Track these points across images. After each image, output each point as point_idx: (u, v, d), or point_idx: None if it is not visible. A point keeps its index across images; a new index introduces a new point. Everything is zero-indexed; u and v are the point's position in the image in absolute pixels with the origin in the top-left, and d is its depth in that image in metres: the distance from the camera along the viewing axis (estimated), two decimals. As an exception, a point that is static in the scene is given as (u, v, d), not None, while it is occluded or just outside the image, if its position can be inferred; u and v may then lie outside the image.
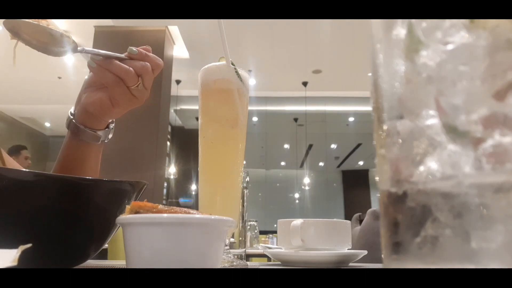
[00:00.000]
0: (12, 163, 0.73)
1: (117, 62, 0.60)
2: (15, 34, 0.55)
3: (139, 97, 0.63)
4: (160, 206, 0.36)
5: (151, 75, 0.63)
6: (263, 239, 3.95)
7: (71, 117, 0.67)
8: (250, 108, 0.66)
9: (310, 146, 9.01)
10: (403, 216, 0.23)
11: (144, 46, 0.63)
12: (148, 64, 0.62)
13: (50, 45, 0.57)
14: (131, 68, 0.60)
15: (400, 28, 0.25)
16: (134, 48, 0.61)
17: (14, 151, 3.46)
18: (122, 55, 0.61)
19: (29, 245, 0.23)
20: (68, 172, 0.67)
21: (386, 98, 0.25)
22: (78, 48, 0.58)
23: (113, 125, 0.71)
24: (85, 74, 0.67)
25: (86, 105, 0.65)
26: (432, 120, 0.22)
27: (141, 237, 0.33)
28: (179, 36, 4.76)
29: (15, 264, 0.21)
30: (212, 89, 0.60)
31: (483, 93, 0.21)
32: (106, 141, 0.70)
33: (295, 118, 7.68)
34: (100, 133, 0.68)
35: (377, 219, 1.47)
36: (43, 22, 0.55)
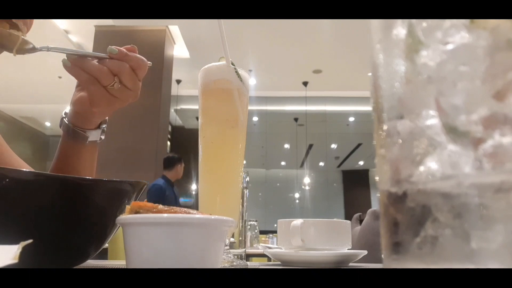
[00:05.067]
0: (15, 162, 0.73)
1: (90, 61, 0.59)
2: None
3: (120, 98, 0.62)
4: (160, 206, 0.36)
5: (130, 75, 0.61)
6: (263, 239, 3.95)
7: (63, 116, 0.68)
8: (250, 108, 0.66)
9: (310, 146, 9.01)
10: (403, 216, 0.23)
11: (128, 46, 0.61)
12: (126, 63, 0.60)
13: (9, 43, 0.55)
14: (105, 67, 0.59)
15: (400, 28, 0.25)
16: (114, 48, 0.60)
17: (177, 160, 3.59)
18: (104, 55, 0.60)
19: (29, 240, 0.23)
20: (62, 172, 0.67)
21: (386, 98, 0.25)
22: (38, 47, 0.57)
23: (105, 125, 0.70)
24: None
25: (73, 104, 0.65)
26: (432, 120, 0.22)
27: (141, 237, 0.33)
28: (179, 36, 4.77)
29: (15, 261, 0.21)
30: (212, 89, 0.60)
31: (483, 93, 0.21)
32: (98, 141, 0.70)
33: (295, 118, 7.68)
34: (89, 133, 0.67)
35: (377, 219, 1.47)
36: None
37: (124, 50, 0.60)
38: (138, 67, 0.61)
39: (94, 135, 0.68)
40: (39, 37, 0.64)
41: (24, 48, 0.56)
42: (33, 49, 0.57)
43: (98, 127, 0.69)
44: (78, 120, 0.66)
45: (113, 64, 0.59)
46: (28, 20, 0.57)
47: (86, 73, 0.59)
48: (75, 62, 0.58)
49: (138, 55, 0.62)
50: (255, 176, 10.08)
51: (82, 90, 0.65)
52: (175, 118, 7.63)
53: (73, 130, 0.66)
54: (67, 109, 0.69)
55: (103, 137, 0.71)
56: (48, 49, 0.57)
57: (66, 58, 0.58)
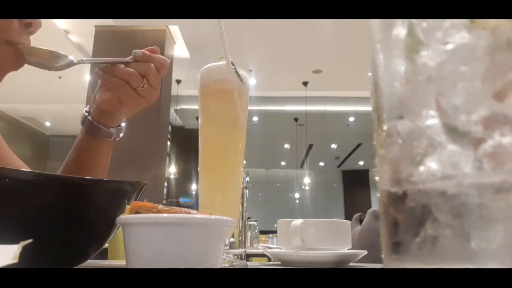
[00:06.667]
0: (15, 162, 0.73)
1: (120, 66, 0.63)
2: None
3: (147, 97, 0.67)
4: (160, 206, 0.36)
5: (156, 75, 0.65)
6: (263, 239, 3.95)
7: (86, 114, 0.71)
8: (250, 108, 0.66)
9: (311, 146, 9.01)
10: (403, 216, 0.23)
11: (151, 47, 0.66)
12: (152, 65, 0.65)
13: (47, 61, 0.60)
14: (134, 70, 0.63)
15: (400, 28, 0.25)
16: (138, 51, 0.64)
17: None
18: (128, 59, 0.64)
19: (29, 240, 0.23)
20: (80, 168, 0.71)
21: (386, 98, 0.25)
22: (75, 60, 0.62)
23: (125, 124, 0.74)
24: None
25: (100, 103, 0.68)
26: (432, 120, 0.22)
27: (141, 237, 0.33)
28: (179, 36, 4.76)
29: (15, 261, 0.21)
30: (212, 89, 0.60)
31: (483, 93, 0.21)
32: (117, 138, 0.74)
33: (296, 118, 7.68)
34: (112, 130, 0.71)
35: (377, 219, 1.47)
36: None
37: (147, 52, 0.65)
38: (161, 67, 0.66)
39: (116, 133, 0.73)
40: (38, 37, 0.65)
41: (62, 65, 0.61)
42: (71, 63, 0.62)
43: (119, 125, 0.73)
44: (103, 118, 0.70)
45: (141, 67, 0.64)
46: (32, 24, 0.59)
47: (116, 78, 0.63)
48: (106, 70, 0.64)
49: (160, 55, 0.67)
50: (255, 176, 10.08)
51: (108, 90, 0.68)
52: (175, 118, 7.63)
53: (98, 128, 0.70)
54: (87, 107, 0.72)
55: (121, 135, 0.74)
56: (84, 61, 0.62)
57: (97, 68, 0.64)
